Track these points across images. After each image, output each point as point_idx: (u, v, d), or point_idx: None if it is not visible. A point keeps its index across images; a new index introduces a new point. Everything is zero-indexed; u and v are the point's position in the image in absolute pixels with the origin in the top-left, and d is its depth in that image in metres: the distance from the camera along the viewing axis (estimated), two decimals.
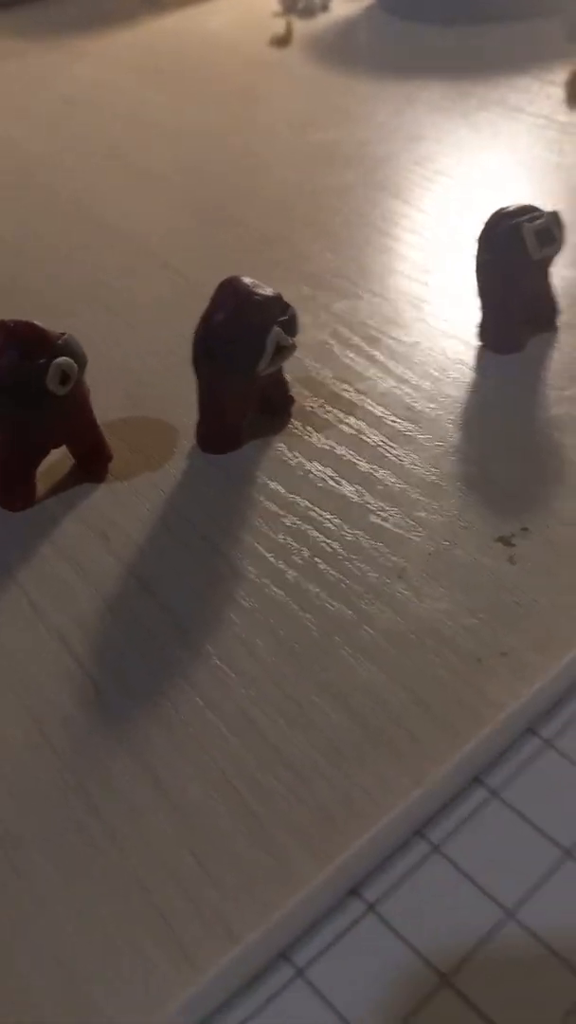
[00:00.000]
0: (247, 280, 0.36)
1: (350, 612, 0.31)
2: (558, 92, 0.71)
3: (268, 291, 0.36)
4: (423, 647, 0.30)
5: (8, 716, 0.29)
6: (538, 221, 0.40)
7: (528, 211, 0.40)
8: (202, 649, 0.30)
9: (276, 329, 0.36)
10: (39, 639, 0.31)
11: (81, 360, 0.35)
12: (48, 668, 0.30)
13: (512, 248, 0.40)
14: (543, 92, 0.71)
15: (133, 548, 0.34)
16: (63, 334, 0.34)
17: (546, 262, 0.42)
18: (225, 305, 0.35)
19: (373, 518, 0.35)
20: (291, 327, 0.37)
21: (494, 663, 0.29)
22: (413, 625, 0.31)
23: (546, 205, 0.55)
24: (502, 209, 0.41)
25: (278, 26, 0.89)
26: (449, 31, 0.85)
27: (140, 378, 0.43)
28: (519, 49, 0.80)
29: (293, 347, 0.37)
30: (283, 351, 0.37)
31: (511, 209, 0.40)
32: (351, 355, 0.44)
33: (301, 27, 0.90)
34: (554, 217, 0.41)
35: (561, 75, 0.72)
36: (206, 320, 0.36)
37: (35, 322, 0.33)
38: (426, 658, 0.29)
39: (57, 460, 0.38)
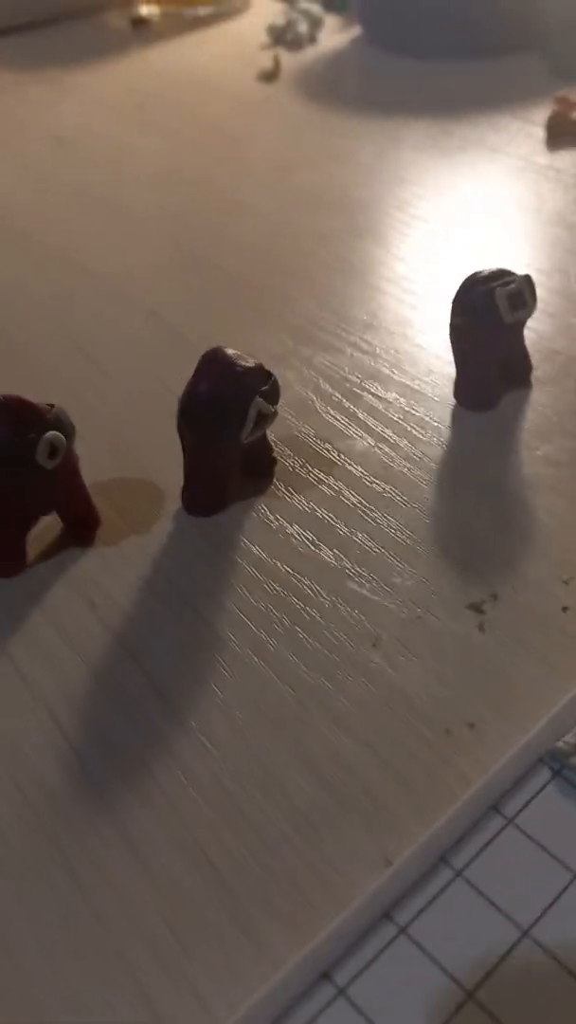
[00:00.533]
0: (230, 351, 0.37)
1: (327, 683, 0.32)
2: (538, 132, 0.72)
3: (250, 362, 0.37)
4: (396, 717, 0.31)
5: None
6: (511, 286, 0.41)
7: (501, 276, 0.42)
8: (185, 721, 0.31)
9: (258, 399, 0.37)
10: (25, 707, 0.32)
11: (69, 432, 0.36)
12: (33, 737, 0.31)
13: (485, 313, 0.41)
14: (523, 132, 0.73)
15: (120, 615, 0.35)
16: (52, 406, 0.35)
17: (519, 325, 0.43)
18: (208, 377, 0.37)
19: (351, 584, 0.36)
20: (273, 396, 0.38)
21: (462, 734, 0.30)
22: (386, 695, 0.32)
23: (523, 251, 0.56)
24: (476, 274, 0.42)
25: (266, 59, 0.90)
26: (434, 65, 0.86)
27: (124, 434, 0.44)
28: (502, 84, 0.81)
29: (274, 414, 0.38)
30: (265, 419, 0.38)
31: (484, 274, 0.42)
32: (332, 412, 0.45)
33: (289, 60, 0.91)
34: (526, 281, 0.42)
35: (541, 114, 0.74)
36: (190, 391, 0.37)
37: (24, 396, 0.35)
38: (398, 729, 0.31)
39: (47, 524, 0.39)
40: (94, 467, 0.42)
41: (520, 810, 0.27)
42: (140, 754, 0.31)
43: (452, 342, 0.44)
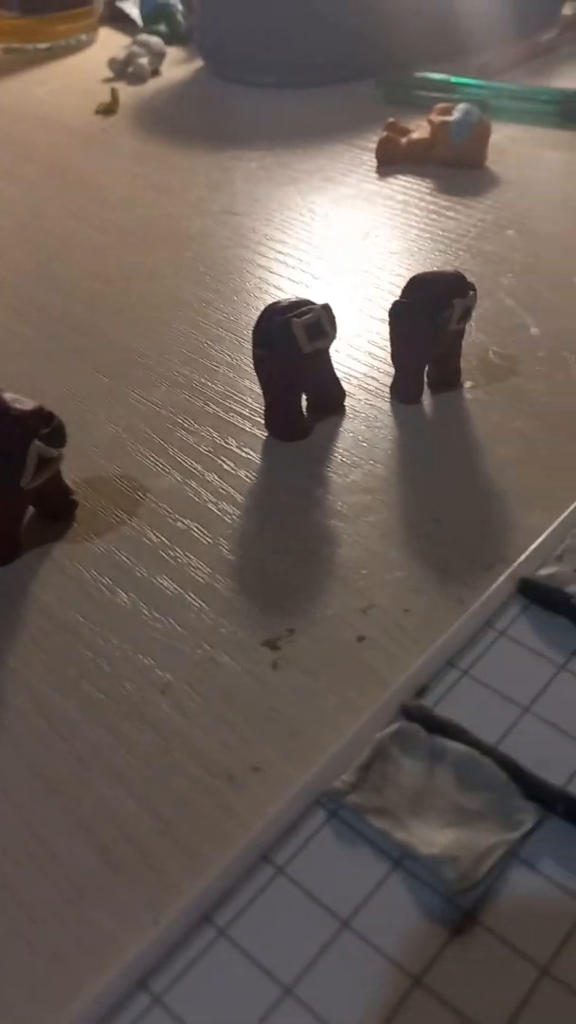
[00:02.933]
0: (7, 395, 0.36)
1: (110, 737, 0.31)
2: (368, 159, 0.73)
3: (28, 405, 0.36)
4: (179, 769, 0.30)
5: None
6: (307, 316, 0.41)
7: (298, 306, 0.41)
8: None
9: (37, 443, 0.36)
10: None
11: None
12: None
13: (284, 343, 0.41)
14: (356, 159, 0.74)
15: None
16: None
17: (320, 354, 0.43)
18: None
19: (145, 629, 0.35)
20: (56, 439, 0.37)
21: (246, 779, 0.29)
22: (171, 744, 0.31)
23: (349, 280, 0.56)
24: (273, 304, 0.42)
25: (106, 93, 0.90)
26: (274, 95, 0.87)
27: None
28: (340, 112, 0.83)
29: (59, 458, 0.37)
30: (48, 463, 0.37)
31: (282, 304, 0.41)
32: (142, 450, 0.44)
33: (130, 93, 0.91)
34: (324, 311, 0.42)
35: (374, 141, 0.75)
36: None
37: None
38: (180, 780, 0.30)
39: None
40: None
41: (291, 858, 0.26)
42: None
43: (257, 373, 0.43)
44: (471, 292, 0.43)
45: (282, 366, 0.42)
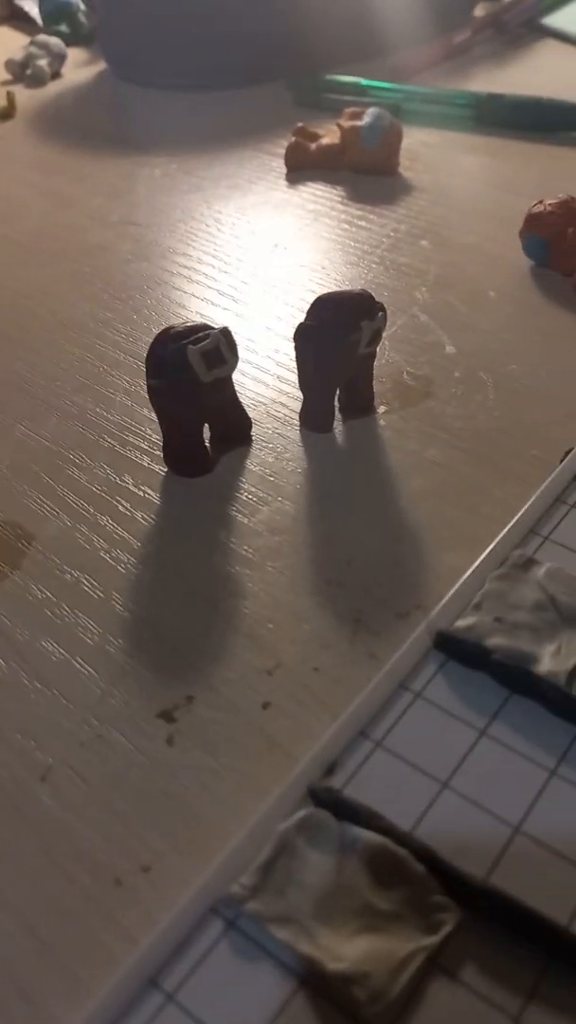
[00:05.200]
0: None
1: None
2: (277, 165, 0.70)
3: None
4: (59, 872, 0.26)
5: None
6: (204, 342, 0.38)
7: (194, 331, 0.38)
8: None
9: None
10: None
11: None
12: None
13: (179, 372, 0.38)
14: (263, 166, 0.70)
15: None
16: None
17: (221, 382, 0.39)
18: None
19: (26, 703, 0.31)
20: None
21: (135, 882, 0.26)
22: (51, 843, 0.27)
23: (255, 295, 0.53)
24: (167, 329, 0.38)
25: (2, 97, 0.85)
26: (179, 98, 0.83)
27: None
28: (249, 117, 0.79)
29: None
30: None
31: (176, 330, 0.38)
32: (28, 490, 0.40)
33: (29, 97, 0.86)
34: (223, 335, 0.38)
35: (281, 146, 0.72)
36: None
37: None
38: (60, 888, 0.26)
39: None
40: None
41: (182, 982, 0.23)
42: None
43: (152, 404, 0.40)
44: (380, 313, 0.40)
45: (179, 397, 0.39)
